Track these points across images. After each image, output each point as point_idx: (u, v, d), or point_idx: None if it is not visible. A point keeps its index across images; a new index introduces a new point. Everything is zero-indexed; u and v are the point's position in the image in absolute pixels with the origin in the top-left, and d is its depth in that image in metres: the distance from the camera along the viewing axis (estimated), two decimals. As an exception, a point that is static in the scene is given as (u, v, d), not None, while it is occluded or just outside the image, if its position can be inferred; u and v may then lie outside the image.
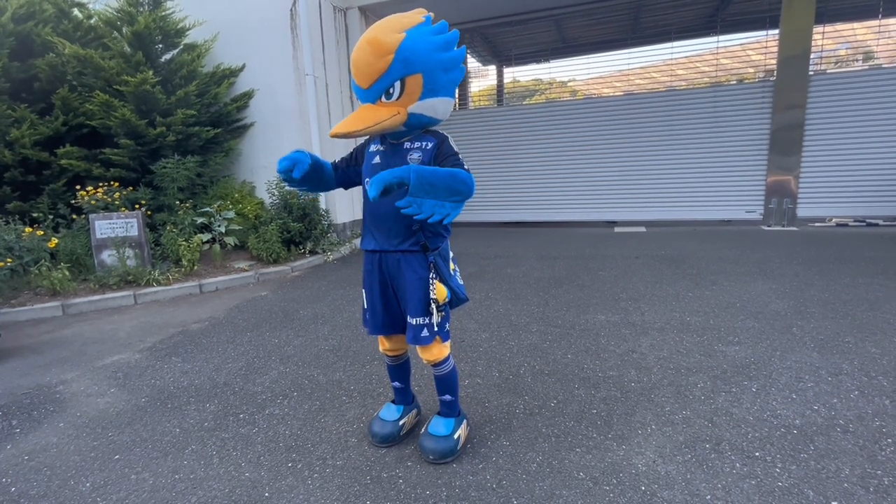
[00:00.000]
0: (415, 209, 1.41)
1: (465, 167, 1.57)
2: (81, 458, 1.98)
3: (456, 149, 1.64)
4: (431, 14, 1.61)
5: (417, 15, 1.57)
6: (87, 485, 1.80)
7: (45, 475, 1.88)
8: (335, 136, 1.52)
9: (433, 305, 1.69)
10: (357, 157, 1.85)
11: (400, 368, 1.98)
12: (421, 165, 1.48)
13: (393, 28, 1.51)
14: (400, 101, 1.54)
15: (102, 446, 2.06)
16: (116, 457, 1.97)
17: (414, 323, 1.72)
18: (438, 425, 1.85)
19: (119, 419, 2.28)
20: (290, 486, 1.72)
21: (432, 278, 1.69)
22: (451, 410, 1.89)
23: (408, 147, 1.66)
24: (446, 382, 1.85)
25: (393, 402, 2.04)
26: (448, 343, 1.82)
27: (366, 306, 1.86)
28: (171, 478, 1.81)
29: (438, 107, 1.61)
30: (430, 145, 1.65)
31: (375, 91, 1.54)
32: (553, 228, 7.88)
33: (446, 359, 1.81)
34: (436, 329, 1.73)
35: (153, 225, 5.51)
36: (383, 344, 1.92)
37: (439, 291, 1.70)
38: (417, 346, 1.78)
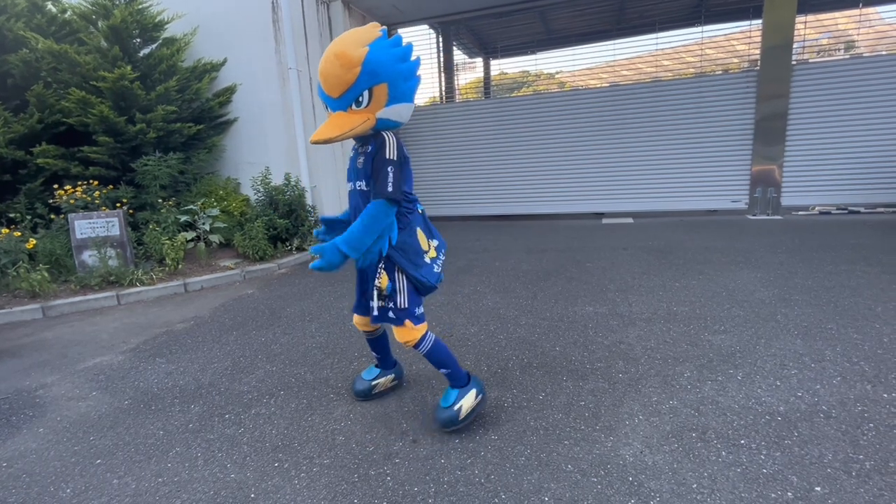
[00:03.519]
0: (367, 260, 1.79)
1: (391, 179, 1.70)
2: (62, 464, 1.93)
3: (390, 155, 1.73)
4: (386, 27, 1.78)
5: (374, 29, 1.72)
6: (68, 491, 1.76)
7: (24, 482, 1.83)
8: (316, 142, 1.72)
9: (375, 293, 1.87)
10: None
11: (375, 341, 2.23)
12: (341, 240, 1.71)
13: (357, 42, 1.65)
14: (369, 108, 1.71)
15: (84, 451, 2.02)
16: (98, 461, 1.93)
17: (380, 305, 1.91)
18: (445, 396, 2.01)
19: (101, 423, 2.24)
20: (277, 487, 1.70)
21: (380, 268, 1.86)
22: (455, 381, 2.01)
23: (361, 151, 1.83)
24: (434, 359, 1.98)
25: (376, 366, 2.30)
26: (420, 326, 1.93)
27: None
28: (155, 481, 1.78)
29: (402, 111, 1.79)
30: (371, 149, 1.78)
31: (346, 100, 1.69)
32: (541, 221, 7.89)
33: (421, 339, 1.92)
34: (401, 311, 1.88)
35: (135, 224, 5.40)
36: (358, 322, 2.15)
37: (382, 281, 1.86)
38: (394, 330, 1.94)
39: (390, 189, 1.71)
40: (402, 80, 1.72)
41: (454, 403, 1.94)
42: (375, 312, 1.89)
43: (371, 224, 1.72)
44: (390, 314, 1.89)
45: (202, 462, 1.88)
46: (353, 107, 1.69)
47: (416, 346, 1.92)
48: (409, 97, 1.79)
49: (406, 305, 1.87)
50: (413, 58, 1.77)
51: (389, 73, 1.67)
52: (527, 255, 5.17)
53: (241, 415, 2.22)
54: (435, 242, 1.98)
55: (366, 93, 1.67)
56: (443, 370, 1.99)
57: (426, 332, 1.94)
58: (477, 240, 6.37)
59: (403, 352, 2.75)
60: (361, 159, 1.81)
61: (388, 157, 1.73)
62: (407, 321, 1.88)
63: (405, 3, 7.49)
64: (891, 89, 6.36)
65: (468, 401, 1.95)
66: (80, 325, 3.82)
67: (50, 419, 2.31)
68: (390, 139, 1.76)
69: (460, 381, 2.00)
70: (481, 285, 4.09)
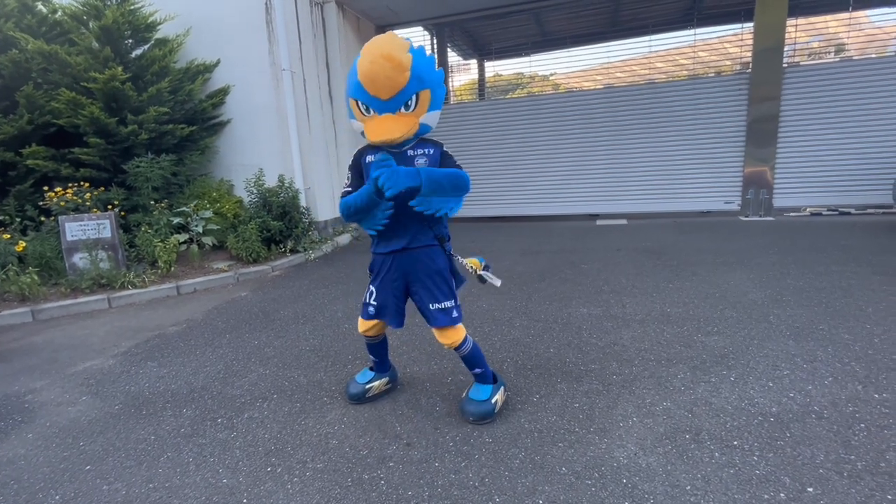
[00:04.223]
0: (425, 206, 1.72)
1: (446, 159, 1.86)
2: (51, 470, 1.91)
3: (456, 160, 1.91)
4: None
5: (403, 38, 1.76)
6: (57, 497, 1.74)
7: (12, 489, 1.81)
8: (380, 142, 1.74)
9: (472, 272, 1.99)
10: (361, 173, 1.96)
11: (378, 346, 2.23)
12: (428, 168, 1.76)
13: (402, 47, 1.69)
14: (415, 113, 1.77)
15: (73, 457, 1.99)
16: (88, 467, 1.91)
17: (442, 307, 1.96)
18: (478, 391, 2.07)
19: (91, 428, 2.21)
20: (269, 492, 1.68)
21: (458, 260, 1.99)
22: (485, 379, 2.08)
23: (411, 154, 1.86)
24: (471, 360, 2.06)
25: (371, 368, 2.30)
26: (462, 325, 2.03)
27: (369, 300, 2.08)
28: (146, 487, 1.76)
29: (436, 118, 1.86)
30: (432, 151, 1.86)
31: (395, 103, 1.72)
32: (536, 222, 7.90)
33: (464, 340, 2.01)
34: (460, 308, 1.98)
35: (127, 226, 5.35)
36: (370, 327, 2.11)
37: (473, 263, 1.98)
38: (436, 333, 2.01)
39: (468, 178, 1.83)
40: (438, 86, 1.80)
41: (491, 397, 2.03)
42: (456, 314, 1.97)
43: (456, 178, 1.78)
44: (454, 314, 1.96)
45: (194, 467, 1.86)
46: (402, 110, 1.74)
47: (459, 346, 2.00)
48: (441, 104, 1.87)
49: (459, 303, 2.01)
50: (437, 67, 1.85)
51: (431, 79, 1.75)
52: (521, 257, 5.18)
53: (234, 419, 2.20)
54: None
55: (414, 97, 1.73)
56: (476, 369, 2.07)
57: (466, 333, 2.04)
58: (472, 241, 6.37)
59: (398, 354, 2.75)
60: (422, 161, 1.84)
61: (455, 160, 1.89)
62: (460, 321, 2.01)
63: (400, 5, 7.48)
64: (880, 92, 6.44)
65: (500, 395, 2.08)
66: (71, 328, 3.78)
67: (39, 425, 2.28)
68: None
69: (488, 379, 2.08)
70: (476, 287, 4.09)
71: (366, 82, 1.69)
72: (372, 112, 1.77)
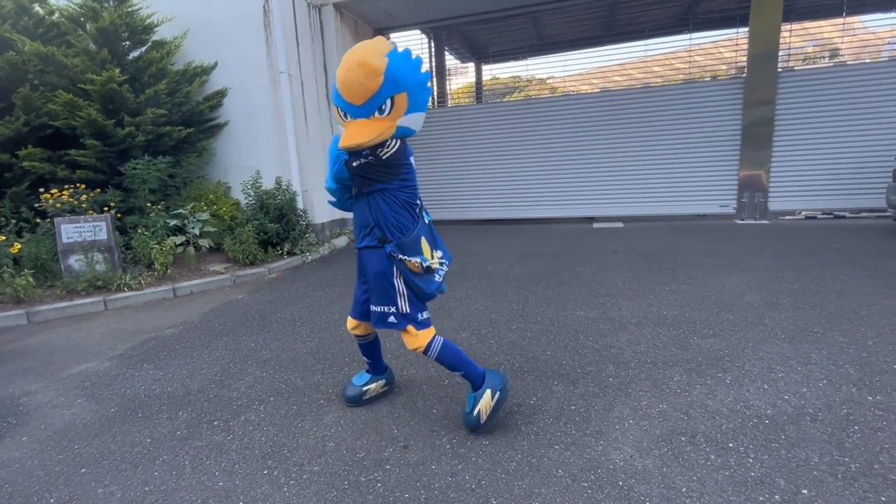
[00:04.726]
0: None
1: (356, 163, 1.80)
2: (46, 473, 1.90)
3: (386, 156, 1.79)
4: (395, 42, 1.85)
5: (386, 41, 1.77)
6: (52, 501, 1.73)
7: (6, 492, 1.80)
8: (347, 148, 1.74)
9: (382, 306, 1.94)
10: None
11: (367, 346, 2.24)
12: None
13: (377, 52, 1.69)
14: (391, 116, 1.75)
15: (68, 460, 1.98)
16: (83, 470, 1.90)
17: (379, 311, 1.95)
18: (468, 400, 2.02)
19: (86, 431, 2.20)
20: (266, 495, 1.68)
21: (400, 258, 1.88)
22: (474, 381, 2.00)
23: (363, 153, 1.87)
24: (445, 363, 1.99)
25: (367, 371, 2.30)
26: (425, 331, 1.96)
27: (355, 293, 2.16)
28: (141, 490, 1.75)
29: (418, 120, 1.85)
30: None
31: (369, 108, 1.73)
32: (533, 225, 7.92)
33: (429, 345, 1.95)
34: (403, 315, 1.92)
35: (124, 228, 5.34)
36: (355, 325, 2.15)
37: (411, 265, 1.90)
38: (403, 337, 1.98)
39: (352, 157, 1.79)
40: (419, 89, 1.78)
41: (473, 409, 1.96)
42: (394, 320, 1.92)
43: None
44: (391, 319, 1.92)
45: (190, 470, 1.85)
46: (377, 115, 1.74)
47: (425, 351, 1.95)
48: (424, 107, 1.85)
49: (408, 310, 1.92)
50: (423, 69, 1.82)
51: (410, 82, 1.73)
52: (519, 259, 5.19)
53: (230, 421, 2.19)
54: (439, 253, 2.01)
55: (388, 101, 1.72)
56: (457, 372, 2.01)
57: (433, 337, 1.96)
58: (470, 243, 6.38)
59: (395, 357, 2.75)
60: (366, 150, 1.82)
61: (378, 152, 1.77)
62: (410, 326, 1.92)
63: (397, 8, 7.51)
64: (874, 96, 6.50)
65: (484, 402, 1.94)
66: (66, 330, 3.76)
67: (34, 427, 2.27)
68: (393, 144, 1.80)
69: (478, 381, 2.00)
70: (473, 289, 4.09)
71: (342, 89, 1.72)
72: (349, 118, 1.79)
